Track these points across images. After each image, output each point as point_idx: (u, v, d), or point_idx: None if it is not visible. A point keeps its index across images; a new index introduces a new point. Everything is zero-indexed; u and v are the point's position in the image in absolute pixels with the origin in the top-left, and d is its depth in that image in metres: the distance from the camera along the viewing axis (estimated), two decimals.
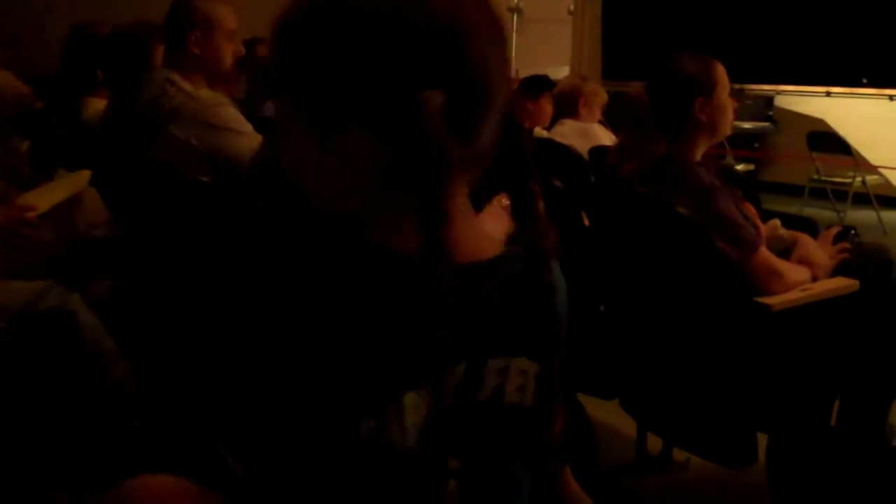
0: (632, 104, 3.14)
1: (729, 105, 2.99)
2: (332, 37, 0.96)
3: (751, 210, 3.04)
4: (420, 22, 0.95)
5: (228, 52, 3.23)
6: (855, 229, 3.31)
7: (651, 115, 2.99)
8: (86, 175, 3.19)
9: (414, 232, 0.93)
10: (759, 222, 3.01)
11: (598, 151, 4.60)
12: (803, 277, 2.86)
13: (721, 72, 2.98)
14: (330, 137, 0.97)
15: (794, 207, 7.40)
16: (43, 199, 2.97)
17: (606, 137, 5.07)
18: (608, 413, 3.25)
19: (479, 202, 1.13)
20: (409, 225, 0.94)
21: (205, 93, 3.12)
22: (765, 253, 2.80)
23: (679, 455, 3.27)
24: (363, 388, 0.93)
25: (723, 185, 2.93)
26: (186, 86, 3.10)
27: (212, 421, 1.01)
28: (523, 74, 6.10)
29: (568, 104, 5.31)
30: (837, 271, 2.99)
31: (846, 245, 3.09)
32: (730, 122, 3.03)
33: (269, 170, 1.74)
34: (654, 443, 3.28)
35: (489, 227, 1.09)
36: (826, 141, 8.57)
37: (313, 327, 0.94)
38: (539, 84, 5.72)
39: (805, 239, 3.12)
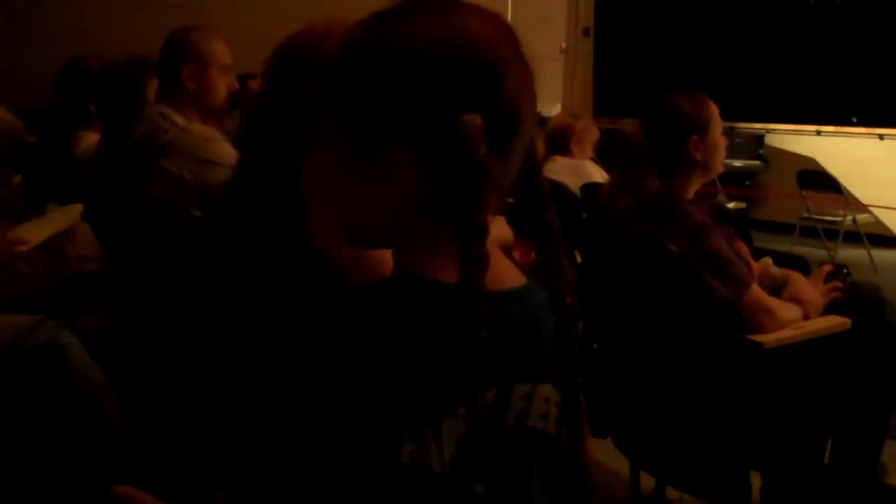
0: (627, 141, 3.16)
1: (722, 143, 3.02)
2: (380, 65, 1.03)
3: (743, 248, 3.05)
4: (464, 51, 1.01)
5: (222, 87, 3.23)
6: (847, 268, 3.32)
7: (646, 152, 3.01)
8: (77, 209, 3.18)
9: (447, 258, 0.98)
10: (750, 260, 3.02)
11: (590, 188, 4.61)
12: (795, 315, 2.86)
13: (714, 110, 3.00)
14: (374, 158, 1.03)
15: (784, 245, 7.41)
16: (34, 232, 2.95)
17: (598, 174, 5.08)
18: (601, 451, 3.23)
19: None
20: (443, 251, 1.00)
21: (197, 127, 3.12)
22: (756, 291, 2.81)
23: (672, 494, 3.25)
24: (403, 413, 0.95)
25: (715, 222, 2.94)
26: (179, 120, 3.10)
27: (204, 453, 1.01)
28: None
29: (560, 141, 5.32)
30: (829, 310, 2.99)
31: (838, 284, 3.10)
32: (722, 160, 3.06)
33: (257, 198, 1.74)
34: (647, 481, 3.26)
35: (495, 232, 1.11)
36: (816, 179, 8.61)
37: (350, 357, 0.97)
38: None
39: (797, 277, 3.13)
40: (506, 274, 1.10)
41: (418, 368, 0.96)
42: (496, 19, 1.07)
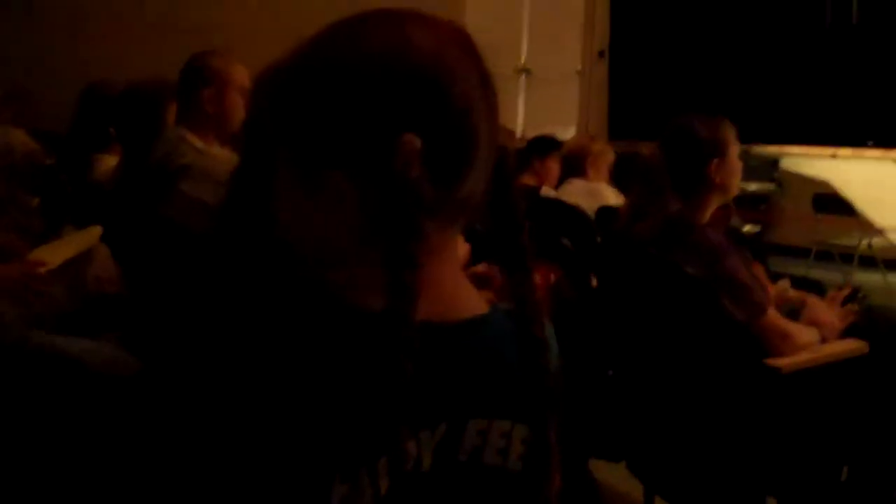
0: (646, 164, 3.16)
1: (739, 166, 3.02)
2: (316, 84, 0.99)
3: (759, 271, 3.05)
4: (400, 68, 0.96)
5: (241, 110, 3.25)
6: (863, 291, 3.31)
7: (664, 175, 3.01)
8: (96, 231, 3.20)
9: (377, 285, 0.92)
10: (767, 283, 3.02)
11: (606, 211, 4.61)
12: (812, 339, 2.86)
13: (732, 133, 3.02)
14: (313, 182, 0.99)
15: (799, 269, 7.39)
16: (54, 254, 2.97)
17: (614, 197, 5.08)
18: (615, 476, 3.23)
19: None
20: (374, 278, 0.93)
21: (216, 150, 3.14)
22: (773, 314, 2.80)
23: None
24: (335, 453, 0.91)
25: (732, 245, 2.94)
26: (198, 143, 3.12)
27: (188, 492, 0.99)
28: (530, 133, 6.14)
29: (576, 164, 5.33)
30: (846, 333, 2.98)
31: (855, 307, 3.09)
32: (738, 182, 3.06)
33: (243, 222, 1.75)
34: None
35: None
36: (831, 203, 8.58)
37: (283, 392, 0.92)
38: (547, 144, 5.74)
39: (814, 300, 3.12)
40: (465, 302, 1.06)
41: (345, 405, 0.91)
42: (448, 29, 1.02)
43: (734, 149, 3.00)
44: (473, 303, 1.07)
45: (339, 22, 1.02)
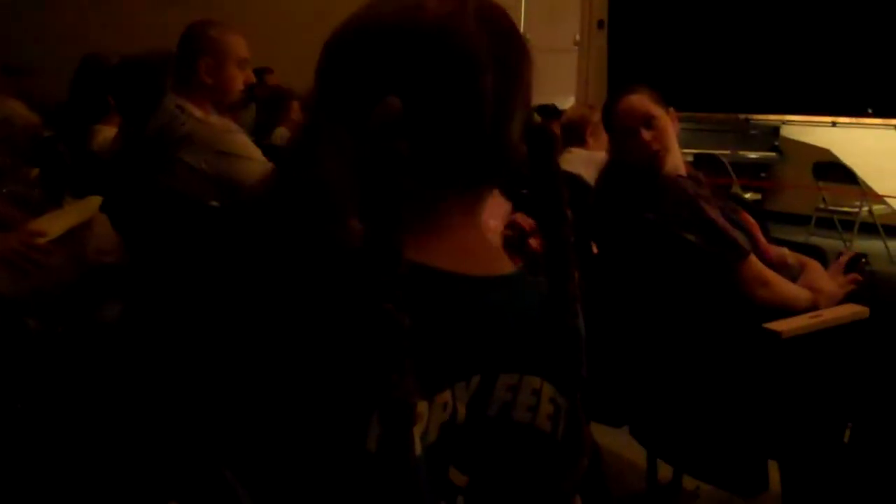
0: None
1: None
2: (337, 44, 1.05)
3: (749, 221, 3.07)
4: (405, 31, 1.01)
5: (239, 80, 3.24)
6: (865, 256, 3.30)
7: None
8: (95, 201, 3.20)
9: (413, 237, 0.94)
10: (759, 235, 3.04)
11: None
12: (798, 296, 2.86)
13: None
14: (328, 136, 1.05)
15: (800, 237, 7.40)
16: (53, 224, 2.97)
17: None
18: (617, 441, 3.24)
19: None
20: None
21: (215, 119, 3.13)
22: (754, 260, 2.82)
23: (689, 483, 3.25)
24: (369, 395, 0.91)
25: (709, 194, 2.97)
26: (197, 112, 3.11)
27: (220, 446, 1.00)
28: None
29: (575, 133, 5.31)
30: (847, 298, 2.98)
31: (857, 276, 3.09)
32: None
33: (283, 195, 1.75)
34: (665, 471, 3.26)
35: (493, 206, 1.10)
36: (832, 170, 8.59)
37: (322, 337, 0.93)
38: (546, 113, 5.73)
39: (813, 265, 3.12)
40: (494, 261, 1.09)
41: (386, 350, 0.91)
42: (476, 2, 1.05)
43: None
44: (503, 262, 1.09)
45: None
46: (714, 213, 2.87)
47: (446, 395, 0.97)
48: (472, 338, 1.00)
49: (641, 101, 3.09)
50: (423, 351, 0.92)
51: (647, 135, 3.03)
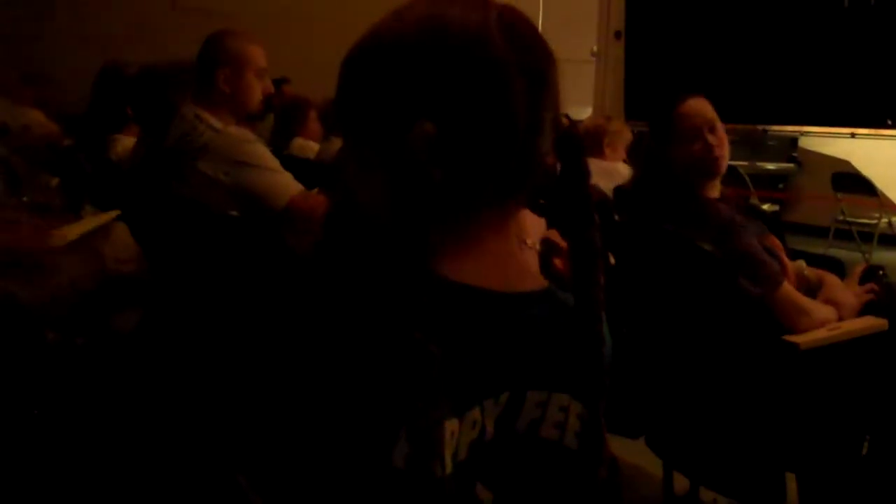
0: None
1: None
2: (361, 63, 1.03)
3: (776, 243, 3.04)
4: (432, 51, 0.99)
5: (257, 90, 3.25)
6: (883, 268, 3.29)
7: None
8: (113, 213, 3.22)
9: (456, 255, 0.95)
10: (784, 256, 3.01)
11: (623, 190, 4.59)
12: (829, 316, 2.85)
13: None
14: (356, 156, 1.04)
15: (819, 248, 7.36)
16: (68, 232, 2.99)
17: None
18: (633, 452, 3.22)
19: None
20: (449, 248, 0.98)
21: (233, 129, 3.15)
22: (788, 289, 2.80)
23: (706, 495, 3.24)
24: (398, 412, 0.92)
25: (744, 219, 2.94)
26: (215, 122, 3.12)
27: (234, 451, 1.00)
28: None
29: (592, 144, 5.31)
30: (865, 310, 2.97)
31: (874, 286, 3.08)
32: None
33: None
34: (681, 482, 3.24)
35: (529, 224, 1.10)
36: (851, 182, 8.55)
37: (349, 353, 0.94)
38: None
39: (831, 279, 3.11)
40: (526, 277, 1.08)
41: (414, 368, 0.91)
42: (490, 9, 1.03)
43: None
44: (534, 279, 1.08)
45: (401, 6, 1.04)
46: (750, 240, 2.86)
47: (476, 413, 0.97)
48: (502, 354, 0.99)
49: (706, 105, 3.10)
50: (454, 369, 0.92)
51: (712, 138, 3.02)
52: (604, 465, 1.08)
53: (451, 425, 0.93)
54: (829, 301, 2.94)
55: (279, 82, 6.42)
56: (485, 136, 0.99)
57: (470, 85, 0.98)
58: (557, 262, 2.40)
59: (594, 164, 5.45)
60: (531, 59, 1.03)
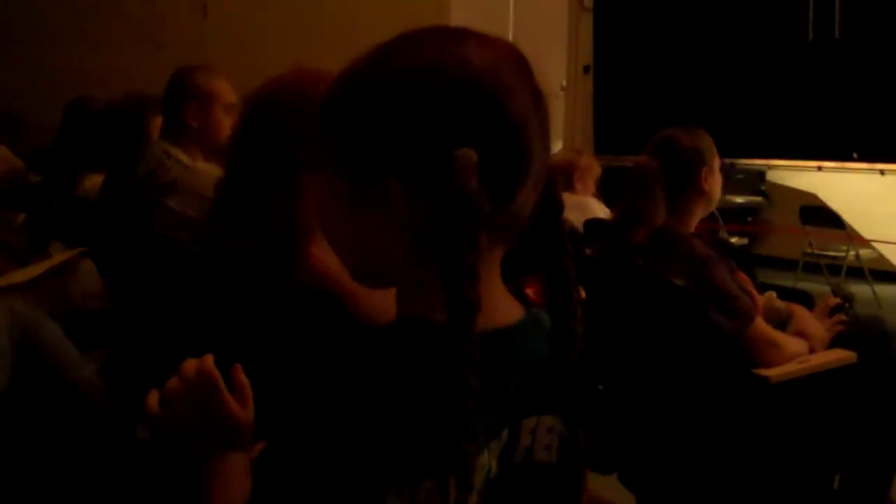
0: (642, 170, 3.16)
1: (720, 176, 3.07)
2: (376, 94, 0.99)
3: (746, 280, 3.06)
4: (459, 82, 0.96)
5: (226, 125, 3.24)
6: (850, 300, 3.32)
7: (658, 183, 3.04)
8: (79, 250, 3.19)
9: (439, 296, 0.92)
10: (754, 292, 3.02)
11: (593, 224, 4.61)
12: (800, 349, 2.86)
13: (712, 143, 3.08)
14: (367, 192, 0.99)
15: (788, 281, 7.41)
16: (23, 274, 2.95)
17: (601, 210, 5.09)
18: (607, 488, 3.21)
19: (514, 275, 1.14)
20: (436, 289, 0.94)
21: (201, 164, 3.14)
22: (761, 324, 2.81)
23: None
24: (391, 466, 0.91)
25: (718, 255, 2.95)
26: (183, 158, 3.11)
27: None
28: None
29: (563, 178, 5.32)
30: (834, 343, 2.98)
31: (842, 317, 3.10)
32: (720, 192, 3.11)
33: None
34: None
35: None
36: (818, 215, 8.61)
37: (335, 406, 0.92)
38: None
39: (801, 311, 3.12)
40: (508, 308, 1.07)
41: (409, 419, 0.91)
42: (503, 47, 1.02)
43: (717, 158, 3.05)
44: (514, 307, 1.07)
45: (396, 38, 1.03)
46: (724, 274, 2.87)
47: (484, 458, 0.97)
48: (502, 393, 1.00)
49: None
50: (436, 418, 0.90)
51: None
52: (584, 475, 1.10)
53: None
54: (800, 332, 2.96)
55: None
56: (506, 174, 0.98)
57: (496, 123, 0.96)
58: (529, 291, 2.39)
59: (565, 199, 5.49)
60: (538, 97, 1.02)
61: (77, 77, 7.04)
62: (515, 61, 1.01)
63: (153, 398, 1.20)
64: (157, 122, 3.43)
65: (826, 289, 7.88)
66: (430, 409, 0.90)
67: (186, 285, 2.30)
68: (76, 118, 4.44)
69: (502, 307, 1.05)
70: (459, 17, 9.27)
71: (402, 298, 1.04)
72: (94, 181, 4.16)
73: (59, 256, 3.22)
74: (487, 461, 0.98)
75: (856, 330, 3.10)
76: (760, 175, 10.59)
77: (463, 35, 1.01)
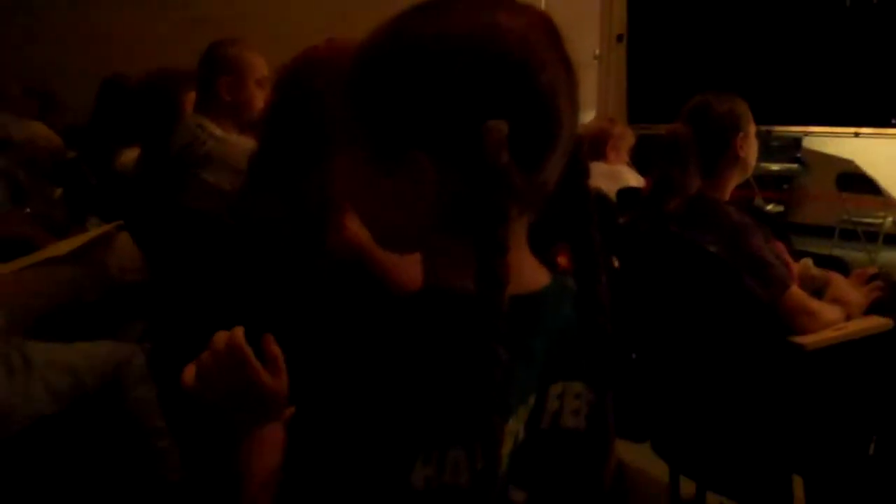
0: (676, 138, 3.14)
1: (756, 142, 3.05)
2: (404, 64, 0.96)
3: (781, 248, 3.04)
4: (490, 52, 0.94)
5: (259, 99, 3.25)
6: (886, 269, 3.29)
7: (692, 150, 3.02)
8: (116, 223, 3.22)
9: (468, 266, 0.91)
10: (789, 260, 3.01)
11: (627, 193, 4.59)
12: (837, 316, 2.84)
13: (748, 109, 3.05)
14: (395, 163, 0.97)
15: (824, 248, 7.33)
16: (62, 247, 2.99)
17: (634, 179, 5.07)
18: (639, 456, 3.22)
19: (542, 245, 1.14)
20: (464, 260, 0.93)
21: (235, 138, 3.15)
22: (797, 291, 2.79)
23: (713, 499, 3.22)
24: (419, 435, 0.91)
25: (753, 223, 2.93)
26: (217, 131, 3.12)
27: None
28: None
29: (596, 147, 5.30)
30: (871, 310, 2.96)
31: (879, 284, 3.07)
32: (755, 159, 3.09)
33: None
34: (687, 486, 3.23)
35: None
36: (856, 181, 8.52)
37: (365, 373, 0.93)
38: None
39: (838, 278, 3.11)
40: (535, 275, 1.07)
41: (437, 388, 0.91)
42: (534, 15, 0.99)
43: (752, 124, 3.03)
44: (541, 274, 1.08)
45: (423, 4, 1.00)
46: (759, 242, 2.85)
47: (511, 424, 0.97)
48: (529, 358, 1.00)
49: None
50: (464, 389, 0.90)
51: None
52: (612, 441, 1.10)
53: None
54: (837, 299, 2.94)
55: None
56: (537, 143, 0.97)
57: (527, 92, 0.95)
58: (561, 259, 2.40)
59: (597, 168, 5.48)
60: (567, 65, 1.00)
61: (111, 53, 7.08)
62: (547, 30, 0.99)
63: (189, 371, 1.22)
64: (191, 96, 3.45)
65: (863, 255, 7.83)
66: (458, 379, 0.89)
67: (221, 257, 2.32)
68: (111, 95, 4.49)
69: (529, 273, 1.05)
70: None
71: (427, 266, 1.04)
72: (129, 156, 4.20)
73: (96, 230, 3.26)
74: (515, 427, 0.98)
75: (892, 296, 3.08)
76: (797, 142, 10.47)
77: (493, 2, 0.99)
